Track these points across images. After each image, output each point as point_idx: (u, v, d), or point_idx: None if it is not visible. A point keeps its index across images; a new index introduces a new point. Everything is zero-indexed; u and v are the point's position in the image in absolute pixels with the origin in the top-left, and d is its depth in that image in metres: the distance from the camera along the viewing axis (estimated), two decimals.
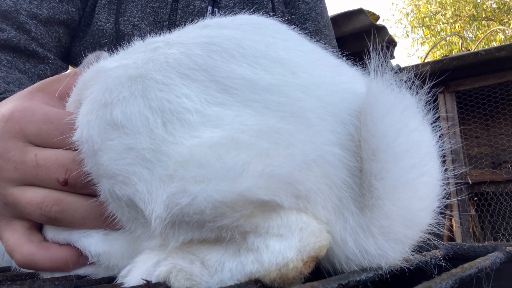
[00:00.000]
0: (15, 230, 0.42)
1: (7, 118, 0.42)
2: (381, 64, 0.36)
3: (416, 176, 0.34)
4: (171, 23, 0.98)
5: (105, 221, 0.39)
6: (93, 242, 0.40)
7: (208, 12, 0.99)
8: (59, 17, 0.92)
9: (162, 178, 0.32)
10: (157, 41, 0.40)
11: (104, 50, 0.60)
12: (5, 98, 0.48)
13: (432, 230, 0.38)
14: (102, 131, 0.36)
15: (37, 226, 0.44)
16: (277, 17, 0.44)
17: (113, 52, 0.44)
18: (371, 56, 0.36)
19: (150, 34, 0.43)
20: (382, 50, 0.36)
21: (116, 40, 0.94)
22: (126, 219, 0.38)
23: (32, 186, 0.41)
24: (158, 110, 0.34)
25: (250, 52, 0.36)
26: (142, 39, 0.42)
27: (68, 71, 0.48)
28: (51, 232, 0.43)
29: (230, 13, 0.43)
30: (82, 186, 0.40)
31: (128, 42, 0.43)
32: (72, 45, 1.00)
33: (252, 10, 0.91)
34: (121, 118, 0.35)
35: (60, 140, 0.40)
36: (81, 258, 0.41)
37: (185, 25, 0.42)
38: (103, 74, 0.39)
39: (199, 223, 0.32)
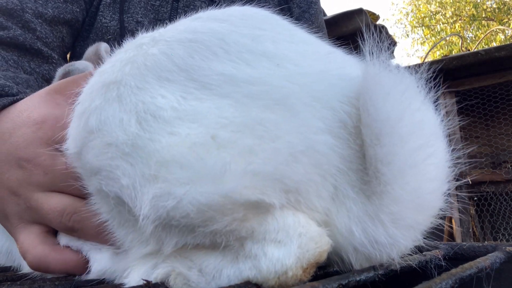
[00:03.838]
0: (30, 232, 0.42)
1: (40, 124, 0.43)
2: (376, 45, 0.34)
3: (424, 158, 0.32)
4: (172, 22, 0.97)
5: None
6: (99, 257, 0.40)
7: None
8: (63, 17, 0.92)
9: (145, 176, 0.32)
10: (145, 37, 0.40)
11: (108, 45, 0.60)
12: (20, 99, 0.48)
13: (434, 226, 0.37)
14: (82, 137, 0.36)
15: (53, 232, 0.44)
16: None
17: (116, 47, 0.44)
18: (365, 38, 0.34)
19: (152, 31, 0.42)
20: (376, 31, 0.35)
21: (120, 36, 0.94)
22: (118, 223, 0.37)
23: (58, 193, 0.41)
24: (133, 111, 0.34)
25: (233, 47, 0.35)
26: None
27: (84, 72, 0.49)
28: (65, 239, 0.43)
29: None
30: None
31: (132, 38, 0.43)
32: (76, 44, 1.00)
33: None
34: (97, 124, 0.35)
35: None
36: None
37: None
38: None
39: (188, 227, 0.31)
